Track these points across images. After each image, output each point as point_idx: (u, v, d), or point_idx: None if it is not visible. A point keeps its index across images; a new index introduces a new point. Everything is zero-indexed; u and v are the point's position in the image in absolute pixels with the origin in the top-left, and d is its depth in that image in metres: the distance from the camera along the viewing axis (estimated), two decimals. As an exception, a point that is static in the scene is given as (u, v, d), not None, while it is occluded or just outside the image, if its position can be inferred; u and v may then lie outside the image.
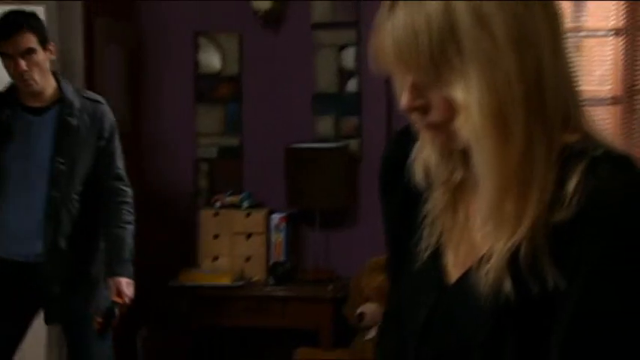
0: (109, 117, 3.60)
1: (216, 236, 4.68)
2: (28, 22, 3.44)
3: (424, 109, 1.19)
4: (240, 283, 4.54)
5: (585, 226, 1.12)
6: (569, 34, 4.32)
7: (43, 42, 3.45)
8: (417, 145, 1.28)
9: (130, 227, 3.59)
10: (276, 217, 4.65)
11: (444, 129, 1.19)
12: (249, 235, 4.67)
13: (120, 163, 3.63)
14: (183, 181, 4.93)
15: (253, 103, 4.86)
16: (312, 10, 4.74)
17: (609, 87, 4.63)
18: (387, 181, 1.38)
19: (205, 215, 4.74)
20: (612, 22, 4.66)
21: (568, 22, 4.64)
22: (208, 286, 4.52)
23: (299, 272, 4.63)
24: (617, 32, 4.66)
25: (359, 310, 4.23)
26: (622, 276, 1.11)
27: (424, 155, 1.27)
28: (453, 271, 1.25)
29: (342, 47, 4.73)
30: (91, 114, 3.55)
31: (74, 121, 3.49)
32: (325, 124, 4.75)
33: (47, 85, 3.50)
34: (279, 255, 4.63)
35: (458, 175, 1.25)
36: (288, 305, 4.47)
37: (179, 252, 4.82)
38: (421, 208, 1.30)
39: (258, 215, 4.68)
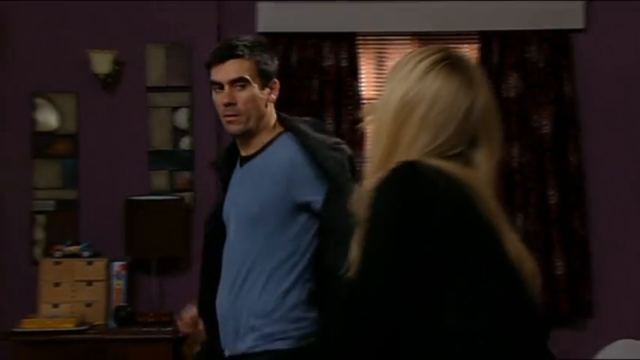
0: None
1: (57, 284, 4.96)
2: None
3: None
4: (84, 327, 4.83)
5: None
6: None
7: None
8: None
9: None
10: (116, 265, 5.00)
11: None
12: (90, 283, 4.99)
13: None
14: (21, 233, 5.16)
15: (91, 158, 5.20)
16: (148, 74, 5.18)
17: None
18: None
19: (46, 264, 5.00)
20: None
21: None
22: (52, 331, 4.77)
23: (138, 315, 4.98)
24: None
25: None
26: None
27: None
28: None
29: (175, 108, 5.19)
30: None
31: None
32: (160, 179, 5.18)
33: None
34: (119, 300, 4.97)
35: None
36: (130, 347, 4.80)
37: (19, 300, 5.04)
38: None
39: (100, 263, 5.01)
